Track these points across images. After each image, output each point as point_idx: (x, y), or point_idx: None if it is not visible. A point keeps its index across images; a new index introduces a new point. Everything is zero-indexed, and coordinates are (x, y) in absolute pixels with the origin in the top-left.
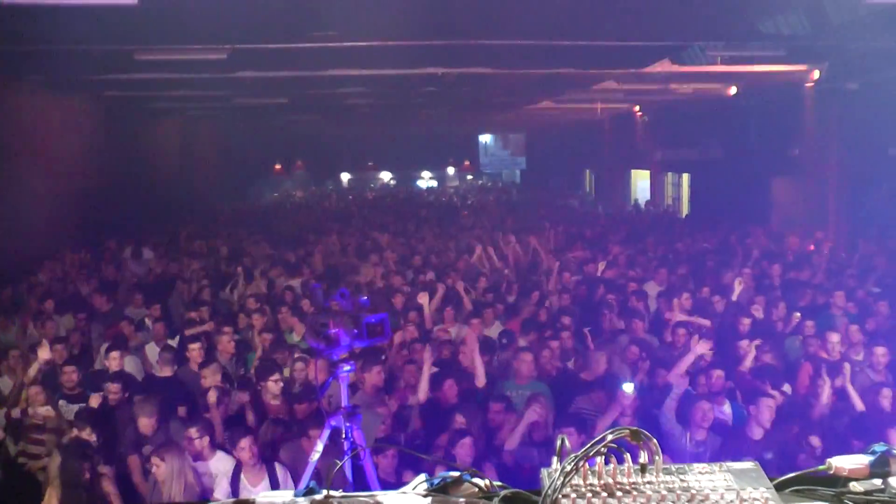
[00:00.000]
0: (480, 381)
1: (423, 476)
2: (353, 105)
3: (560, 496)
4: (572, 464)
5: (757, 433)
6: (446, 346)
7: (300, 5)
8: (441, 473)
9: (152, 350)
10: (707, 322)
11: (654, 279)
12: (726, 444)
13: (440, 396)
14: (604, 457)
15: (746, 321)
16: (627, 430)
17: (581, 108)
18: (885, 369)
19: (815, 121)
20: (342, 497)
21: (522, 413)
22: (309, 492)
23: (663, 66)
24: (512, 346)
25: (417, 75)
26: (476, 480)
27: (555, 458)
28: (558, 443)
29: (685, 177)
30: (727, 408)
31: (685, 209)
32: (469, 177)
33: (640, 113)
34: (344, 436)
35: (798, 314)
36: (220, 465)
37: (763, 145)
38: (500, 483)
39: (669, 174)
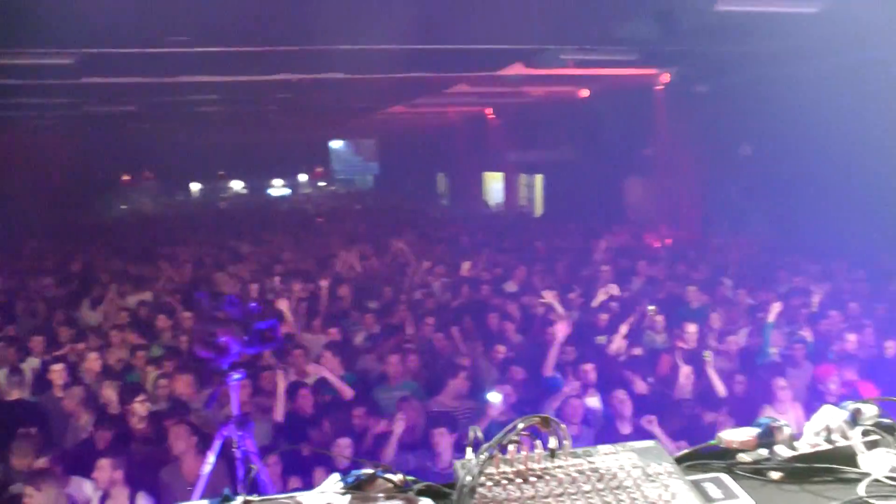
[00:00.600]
0: (346, 392)
1: (336, 475)
2: (203, 112)
3: (479, 486)
4: (488, 453)
5: (625, 426)
6: (303, 356)
7: (150, 9)
8: (354, 472)
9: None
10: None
11: (512, 278)
12: (599, 437)
13: (301, 407)
14: (516, 445)
15: (604, 316)
16: (537, 418)
17: (434, 111)
18: (737, 357)
19: (666, 122)
20: (261, 500)
21: (394, 415)
22: (225, 499)
23: (516, 70)
24: (377, 349)
25: (270, 81)
26: (389, 476)
27: (468, 449)
28: (471, 434)
29: (538, 178)
30: (596, 401)
31: (539, 210)
32: (322, 184)
33: (493, 116)
34: (236, 445)
35: (653, 307)
36: (86, 491)
37: (616, 146)
38: (412, 478)
39: (523, 176)
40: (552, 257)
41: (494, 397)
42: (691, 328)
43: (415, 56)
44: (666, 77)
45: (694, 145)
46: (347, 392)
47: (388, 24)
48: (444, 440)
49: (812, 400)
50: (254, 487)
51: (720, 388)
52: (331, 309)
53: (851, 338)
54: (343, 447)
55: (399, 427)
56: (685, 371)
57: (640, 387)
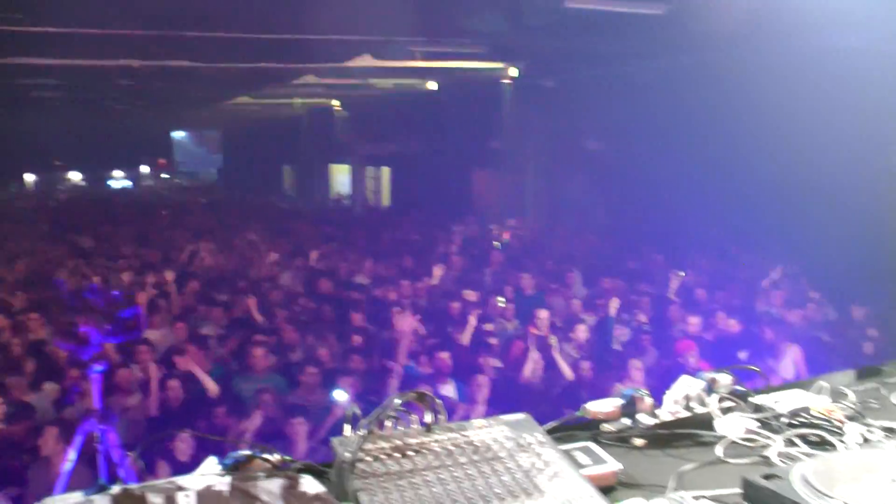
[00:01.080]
0: (211, 387)
1: (213, 458)
2: (38, 98)
3: (358, 461)
4: (366, 428)
5: (478, 409)
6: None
7: None
8: (232, 454)
9: None
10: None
11: (362, 270)
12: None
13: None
14: (393, 420)
15: (456, 304)
16: (413, 394)
17: (280, 103)
18: (586, 343)
19: (513, 116)
20: (142, 486)
21: (253, 408)
22: (101, 489)
23: (364, 61)
24: (229, 343)
25: (111, 67)
26: (266, 456)
27: (346, 427)
28: (349, 412)
29: (385, 170)
30: (451, 388)
31: (386, 202)
32: (165, 176)
33: (339, 108)
34: (98, 439)
35: (502, 298)
36: None
37: (463, 139)
38: (289, 458)
39: (370, 168)
40: (399, 249)
41: (340, 395)
42: (543, 314)
43: (261, 45)
44: (513, 71)
45: (541, 139)
46: (212, 386)
47: (235, 12)
48: (300, 430)
49: (667, 375)
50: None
51: (567, 372)
52: (179, 303)
53: (694, 321)
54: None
55: (256, 419)
56: (534, 356)
57: (490, 373)
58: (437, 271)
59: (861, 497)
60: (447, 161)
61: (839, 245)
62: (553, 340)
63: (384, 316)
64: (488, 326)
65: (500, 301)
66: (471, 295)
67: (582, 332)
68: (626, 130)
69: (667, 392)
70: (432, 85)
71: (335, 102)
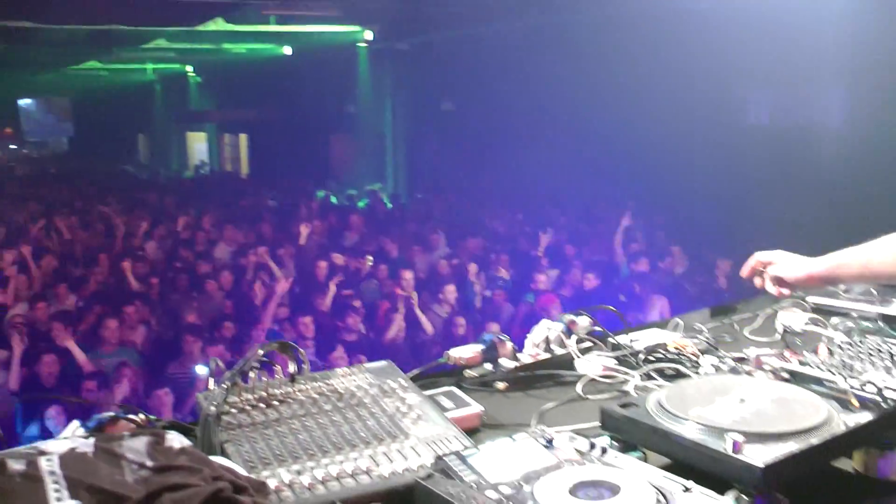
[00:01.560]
0: (80, 358)
1: (76, 422)
2: None
3: (223, 414)
4: (230, 381)
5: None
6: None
7: None
8: (95, 416)
9: None
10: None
11: (223, 238)
12: None
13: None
14: (256, 371)
15: (323, 264)
16: (276, 344)
17: (131, 68)
18: (452, 301)
19: (369, 79)
20: (2, 453)
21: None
22: None
23: (216, 25)
24: (88, 316)
25: None
26: (131, 416)
27: (210, 380)
28: (211, 365)
29: (243, 137)
30: (313, 352)
31: (245, 169)
32: (12, 146)
33: (193, 73)
34: None
35: (370, 258)
36: None
37: (320, 104)
38: (154, 417)
39: (227, 135)
40: (259, 216)
41: (202, 370)
42: (407, 275)
43: (108, 6)
44: (368, 35)
45: (397, 102)
46: (82, 359)
47: None
48: (166, 400)
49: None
50: None
51: (428, 327)
52: (37, 277)
53: (553, 275)
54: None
55: (119, 391)
56: (399, 317)
57: (354, 336)
58: (304, 230)
59: (712, 415)
60: (305, 127)
61: (699, 199)
62: (413, 297)
63: (247, 283)
64: (350, 293)
65: (369, 260)
66: (338, 258)
67: (449, 292)
68: (481, 91)
69: (527, 336)
70: (287, 50)
71: (188, 68)
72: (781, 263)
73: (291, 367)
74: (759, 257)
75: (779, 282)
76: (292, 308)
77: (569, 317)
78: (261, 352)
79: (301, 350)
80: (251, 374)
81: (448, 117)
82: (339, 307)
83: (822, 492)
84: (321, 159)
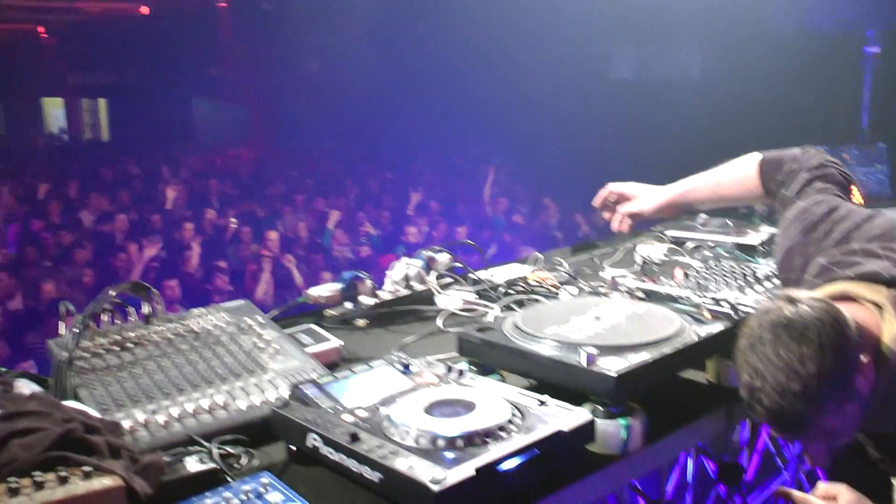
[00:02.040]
0: None
1: None
2: None
3: (75, 359)
4: (81, 325)
5: None
6: None
7: None
8: None
9: None
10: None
11: (86, 206)
12: None
13: None
14: (109, 314)
15: (189, 226)
16: (128, 284)
17: None
18: (317, 258)
19: (231, 41)
20: None
21: None
22: None
23: None
24: None
25: None
26: None
27: (61, 325)
28: (62, 309)
29: (103, 102)
30: None
31: (106, 135)
32: None
33: (46, 34)
34: None
35: (234, 220)
36: None
37: (182, 67)
38: (4, 368)
39: (86, 101)
40: (123, 182)
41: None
42: (272, 236)
43: None
44: None
45: (260, 63)
46: None
47: None
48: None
49: None
50: None
51: (298, 279)
52: None
53: (412, 230)
54: None
55: None
56: (266, 276)
57: (222, 298)
58: (170, 194)
59: (568, 333)
60: (166, 91)
61: (568, 152)
62: (290, 260)
63: (111, 249)
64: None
65: (233, 222)
66: (204, 220)
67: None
68: (346, 51)
69: (387, 273)
70: (144, 10)
71: (41, 28)
72: (633, 198)
73: (146, 309)
74: (611, 188)
75: (632, 217)
76: (159, 272)
77: (428, 253)
78: (112, 293)
79: (154, 290)
80: (104, 318)
81: (314, 78)
82: (206, 269)
83: (678, 401)
84: (184, 123)
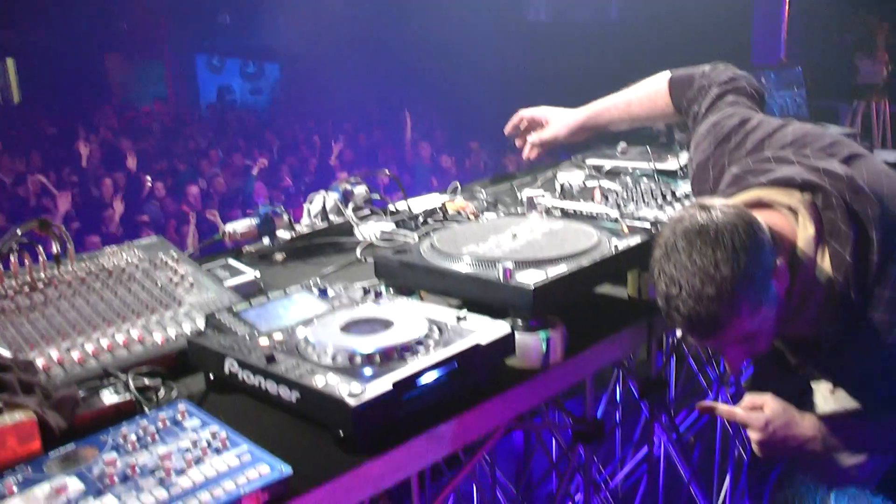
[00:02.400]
0: None
1: None
2: None
3: None
4: None
5: None
6: None
7: None
8: None
9: None
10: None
11: None
12: None
13: None
14: (16, 255)
15: (108, 182)
16: (35, 221)
17: None
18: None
19: None
20: None
21: None
22: None
23: None
24: None
25: None
26: None
27: None
28: None
29: (10, 62)
30: None
31: (17, 97)
32: None
33: None
34: None
35: (149, 178)
36: None
37: (90, 22)
38: None
39: None
40: (36, 142)
41: None
42: (193, 190)
43: None
44: None
45: (172, 15)
46: None
47: None
48: None
49: None
50: None
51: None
52: None
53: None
54: None
55: None
56: (191, 229)
57: None
58: (84, 151)
59: (485, 250)
60: (77, 47)
61: (490, 95)
62: (215, 216)
63: (27, 212)
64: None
65: (148, 180)
66: (120, 178)
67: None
68: (259, 2)
69: (304, 206)
70: None
71: None
72: (545, 123)
73: (55, 249)
74: (522, 113)
75: (545, 143)
76: (80, 232)
77: (344, 185)
78: (19, 232)
79: (62, 227)
80: (12, 259)
81: (229, 30)
82: (128, 227)
83: (599, 316)
84: (97, 80)
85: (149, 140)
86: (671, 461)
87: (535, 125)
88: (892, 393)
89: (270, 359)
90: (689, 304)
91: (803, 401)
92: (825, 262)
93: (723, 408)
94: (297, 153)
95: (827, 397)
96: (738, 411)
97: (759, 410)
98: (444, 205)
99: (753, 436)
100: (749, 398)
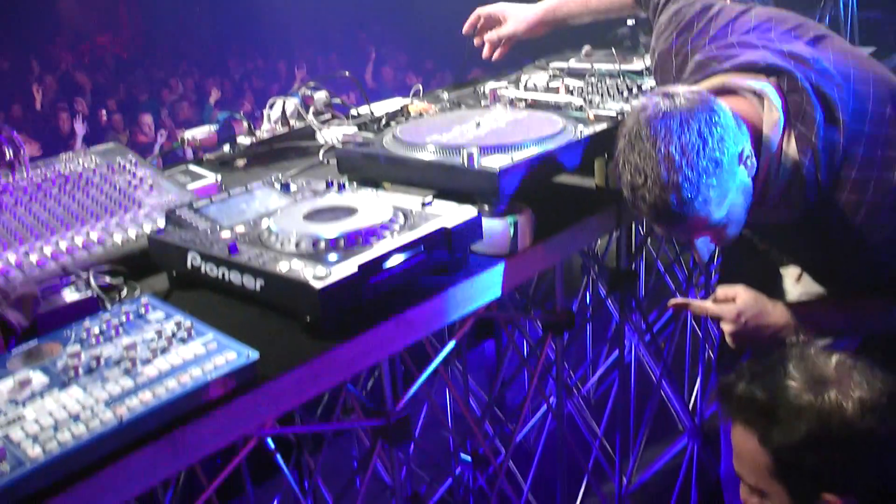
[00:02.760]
0: None
1: None
2: None
3: None
4: None
5: None
6: None
7: None
8: None
9: None
10: None
11: None
12: None
13: None
14: None
15: (65, 115)
16: None
17: None
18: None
19: None
20: None
21: None
22: None
23: None
24: None
25: None
26: None
27: None
28: None
29: None
30: None
31: None
32: None
33: None
34: None
35: (104, 110)
36: None
37: None
38: None
39: None
40: None
41: None
42: (147, 119)
43: None
44: None
45: None
46: None
47: None
48: None
49: None
50: None
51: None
52: None
53: None
54: None
55: None
56: (153, 158)
57: None
58: (38, 94)
59: (448, 138)
60: None
61: (443, 12)
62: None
63: None
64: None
65: (103, 114)
66: (76, 110)
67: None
68: None
69: (264, 112)
70: None
71: None
72: (504, 20)
73: (8, 155)
74: (479, 11)
75: (504, 40)
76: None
77: (304, 90)
78: None
79: (13, 133)
80: None
81: None
82: None
83: (567, 205)
84: (48, 11)
85: (103, 72)
86: (643, 366)
87: (492, 22)
88: (859, 274)
89: (233, 248)
90: (655, 192)
91: (773, 287)
92: (791, 146)
93: (695, 303)
94: (258, 80)
95: (795, 284)
96: (710, 305)
97: (731, 302)
98: (405, 107)
99: (726, 327)
100: (721, 290)
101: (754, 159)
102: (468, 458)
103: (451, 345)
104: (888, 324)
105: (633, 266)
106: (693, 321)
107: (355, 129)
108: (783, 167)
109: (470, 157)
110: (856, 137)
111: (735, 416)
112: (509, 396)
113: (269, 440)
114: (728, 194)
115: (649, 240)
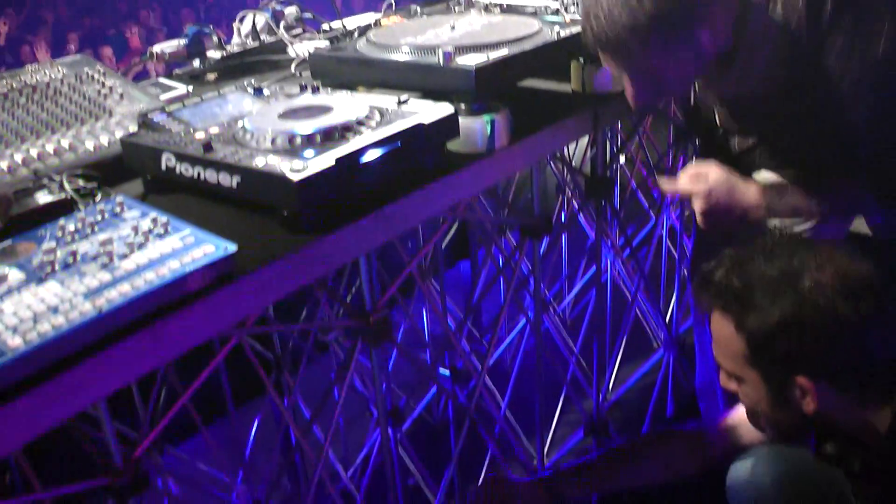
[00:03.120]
0: None
1: None
2: None
3: None
4: None
5: None
6: None
7: None
8: None
9: None
10: None
11: None
12: None
13: None
14: None
15: (26, 49)
16: None
17: None
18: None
19: None
20: None
21: None
22: None
23: None
24: None
25: None
26: None
27: None
28: None
29: None
30: None
31: None
32: None
33: None
34: None
35: (72, 45)
36: None
37: None
38: None
39: None
40: None
41: None
42: (107, 51)
43: None
44: None
45: None
46: None
47: None
48: None
49: None
50: None
51: None
52: None
53: None
54: None
55: None
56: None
57: None
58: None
59: (423, 40)
60: None
61: None
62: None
63: None
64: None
65: (71, 47)
66: (38, 43)
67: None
68: None
69: (234, 26)
70: None
71: None
72: None
73: None
74: None
75: None
76: None
77: (274, 5)
78: None
79: None
80: None
81: None
82: None
83: (544, 107)
84: None
85: (64, 5)
86: (618, 283)
87: None
88: (834, 154)
89: (208, 147)
90: (603, 24)
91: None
92: (777, 9)
93: (667, 185)
94: (227, 13)
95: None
96: (681, 183)
97: (703, 181)
98: (378, 21)
99: (697, 205)
100: (693, 168)
101: (726, 29)
102: (446, 372)
103: (428, 248)
104: (859, 206)
105: (609, 174)
106: (668, 240)
107: (327, 42)
108: (768, 31)
109: (446, 55)
110: (843, 2)
111: (713, 303)
112: (486, 318)
113: (251, 353)
114: (674, 48)
115: (622, 158)
